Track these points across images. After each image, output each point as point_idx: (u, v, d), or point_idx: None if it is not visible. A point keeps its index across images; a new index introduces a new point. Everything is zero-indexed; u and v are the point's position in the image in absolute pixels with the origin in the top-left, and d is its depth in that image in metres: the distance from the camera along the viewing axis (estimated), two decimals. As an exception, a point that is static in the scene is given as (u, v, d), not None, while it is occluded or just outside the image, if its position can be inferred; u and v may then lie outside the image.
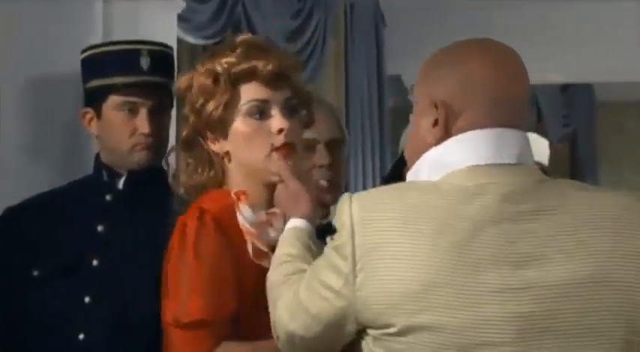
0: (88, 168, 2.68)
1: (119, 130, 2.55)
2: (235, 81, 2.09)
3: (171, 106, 2.66)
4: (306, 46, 4.82)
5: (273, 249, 2.01)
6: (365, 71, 5.58)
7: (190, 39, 3.85)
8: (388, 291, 1.67)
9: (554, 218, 1.71)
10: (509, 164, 1.75)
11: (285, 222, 2.04)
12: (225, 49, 2.13)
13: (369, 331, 1.72)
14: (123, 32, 3.05)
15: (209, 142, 2.13)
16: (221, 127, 2.10)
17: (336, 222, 1.76)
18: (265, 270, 1.96)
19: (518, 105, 1.80)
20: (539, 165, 3.73)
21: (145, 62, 2.59)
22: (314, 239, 2.00)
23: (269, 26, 4.43)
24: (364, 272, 1.69)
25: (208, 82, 2.09)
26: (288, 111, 2.10)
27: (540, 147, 3.72)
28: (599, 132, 8.99)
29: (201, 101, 2.10)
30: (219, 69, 2.09)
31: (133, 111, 2.55)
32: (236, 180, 2.12)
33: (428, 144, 1.79)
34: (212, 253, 2.01)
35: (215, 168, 2.13)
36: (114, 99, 2.56)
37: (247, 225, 2.05)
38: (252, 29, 4.29)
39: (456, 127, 1.77)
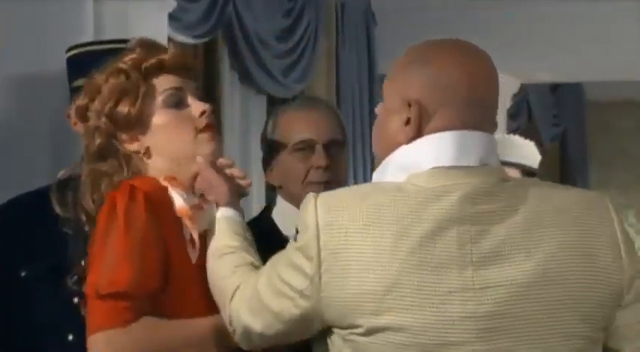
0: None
1: (105, 130, 2.54)
2: (147, 75, 2.11)
3: (158, 105, 2.65)
4: (297, 45, 4.81)
5: (202, 236, 2.04)
6: (356, 70, 5.57)
7: (181, 38, 3.84)
8: (351, 293, 1.68)
9: (512, 218, 1.72)
10: (472, 166, 1.76)
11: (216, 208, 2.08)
12: (123, 52, 2.17)
13: (337, 330, 1.73)
14: (113, 31, 3.05)
15: (125, 144, 2.12)
16: (139, 124, 2.11)
17: (299, 222, 1.76)
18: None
19: (488, 107, 1.81)
20: (522, 167, 3.73)
21: None
22: (247, 229, 2.05)
23: (260, 25, 4.43)
24: (328, 274, 1.70)
25: (120, 79, 2.10)
26: (200, 97, 2.15)
27: (527, 151, 3.70)
28: (589, 131, 9.02)
29: (111, 104, 2.10)
30: (125, 66, 2.11)
31: (119, 110, 2.55)
32: (159, 174, 2.11)
33: (398, 143, 1.79)
34: (141, 228, 1.99)
35: (132, 169, 2.12)
36: (100, 99, 2.56)
37: (184, 210, 2.05)
38: (243, 28, 4.29)
39: (429, 127, 1.77)
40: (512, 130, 7.04)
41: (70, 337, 2.47)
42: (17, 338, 2.50)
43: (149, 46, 2.15)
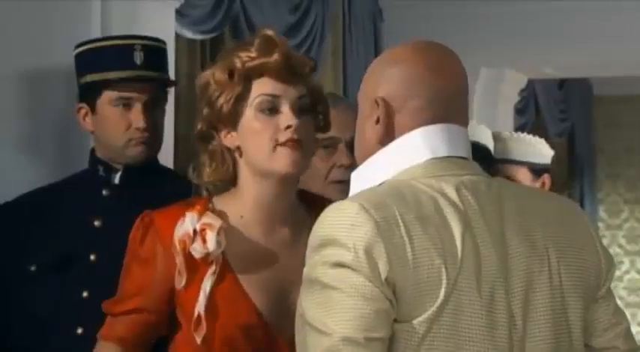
0: (84, 163, 2.68)
1: (114, 125, 2.55)
2: (249, 75, 2.08)
3: (166, 101, 2.66)
4: (304, 41, 4.81)
5: (195, 265, 2.03)
6: (363, 66, 5.57)
7: (188, 34, 3.84)
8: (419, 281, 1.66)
9: (507, 213, 1.75)
10: (466, 159, 1.78)
11: (221, 236, 2.02)
12: (245, 43, 2.13)
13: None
14: (121, 26, 3.05)
15: (222, 136, 2.11)
16: (232, 121, 2.08)
17: (342, 230, 1.66)
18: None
19: (459, 101, 1.81)
20: (533, 165, 3.72)
21: (138, 57, 2.59)
22: None
23: (267, 21, 4.42)
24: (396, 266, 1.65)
25: (224, 76, 2.08)
26: (300, 109, 2.08)
27: (537, 148, 3.70)
28: (597, 126, 9.00)
29: (216, 94, 2.09)
30: (237, 63, 2.08)
31: (127, 106, 2.56)
32: (245, 175, 2.10)
33: (373, 143, 1.79)
34: (134, 256, 2.12)
35: (227, 163, 2.11)
36: (108, 95, 2.57)
37: (176, 240, 2.05)
38: (249, 24, 4.29)
39: (397, 124, 1.77)
40: (519, 125, 7.02)
41: (79, 330, 2.48)
42: (27, 331, 2.51)
43: (267, 43, 2.10)
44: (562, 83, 8.13)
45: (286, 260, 2.09)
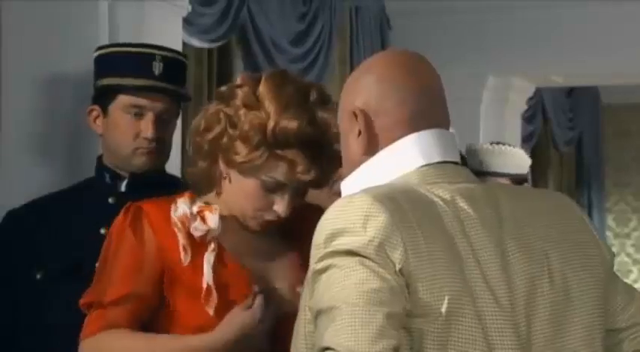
0: (92, 171, 2.68)
1: (123, 131, 2.55)
2: (273, 146, 2.04)
3: (178, 115, 2.67)
4: (312, 49, 4.81)
5: (195, 244, 2.04)
6: (370, 74, 5.57)
7: (195, 42, 3.85)
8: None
9: (502, 218, 1.73)
10: (458, 164, 1.77)
11: (218, 218, 2.04)
12: (251, 98, 2.05)
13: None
14: (128, 35, 3.06)
15: (220, 166, 2.09)
16: (235, 166, 2.07)
17: (355, 221, 1.63)
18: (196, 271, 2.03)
19: (439, 103, 1.79)
20: (514, 176, 3.75)
21: (157, 67, 2.60)
22: None
23: (274, 29, 4.43)
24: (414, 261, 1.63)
25: (256, 137, 2.03)
26: (301, 190, 2.08)
27: (518, 159, 3.73)
28: (605, 135, 8.99)
29: (236, 148, 2.05)
30: (251, 132, 2.02)
31: (139, 114, 2.56)
32: (229, 200, 2.10)
33: (359, 155, 1.77)
34: (122, 242, 2.06)
35: (215, 181, 2.11)
36: (122, 100, 2.57)
37: (176, 219, 2.05)
38: (257, 32, 4.29)
39: (380, 132, 1.75)
40: (527, 134, 7.01)
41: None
42: (32, 339, 2.51)
43: (287, 107, 2.05)
44: (570, 91, 8.12)
45: (272, 266, 2.11)
